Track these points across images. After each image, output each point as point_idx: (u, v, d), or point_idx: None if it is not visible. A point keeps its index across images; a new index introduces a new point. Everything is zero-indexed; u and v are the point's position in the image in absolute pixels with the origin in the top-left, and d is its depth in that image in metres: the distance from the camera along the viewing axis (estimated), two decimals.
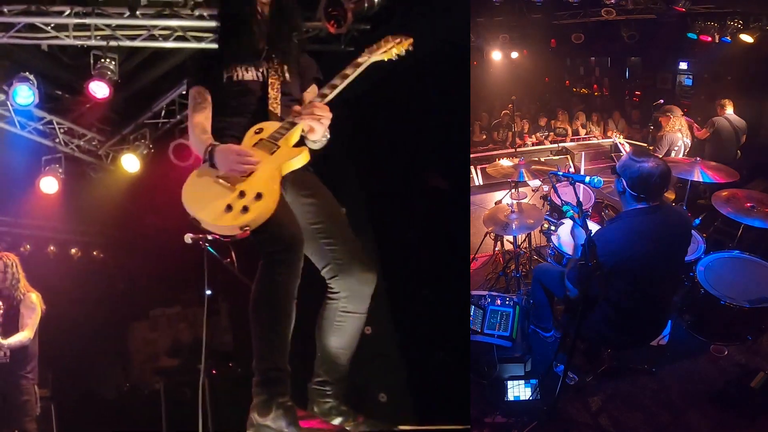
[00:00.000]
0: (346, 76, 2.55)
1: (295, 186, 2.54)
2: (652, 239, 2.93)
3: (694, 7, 6.78)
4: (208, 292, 4.13)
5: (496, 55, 9.15)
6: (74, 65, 4.90)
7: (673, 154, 6.11)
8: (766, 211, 4.07)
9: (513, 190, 4.74)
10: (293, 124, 2.44)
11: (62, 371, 5.46)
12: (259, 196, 2.26)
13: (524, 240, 5.09)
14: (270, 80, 2.59)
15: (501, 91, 10.04)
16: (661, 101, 7.24)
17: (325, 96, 2.50)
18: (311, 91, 2.73)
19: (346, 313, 2.58)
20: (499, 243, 5.34)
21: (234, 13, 2.66)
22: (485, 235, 5.39)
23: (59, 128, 5.37)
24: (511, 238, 4.79)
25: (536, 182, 4.99)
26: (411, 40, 2.72)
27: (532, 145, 10.08)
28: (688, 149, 6.30)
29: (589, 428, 3.35)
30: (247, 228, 2.24)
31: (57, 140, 5.38)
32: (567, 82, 11.52)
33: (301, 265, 2.40)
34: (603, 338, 3.33)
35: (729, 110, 6.35)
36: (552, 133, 10.37)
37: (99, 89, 4.67)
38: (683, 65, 9.07)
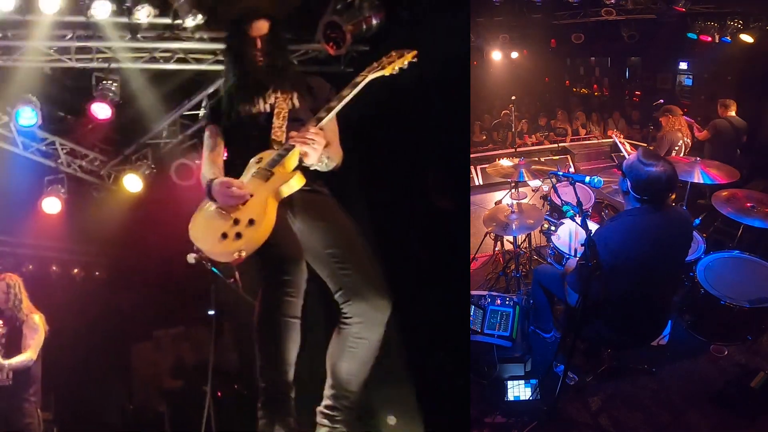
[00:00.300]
0: (343, 98, 2.61)
1: (306, 212, 2.60)
2: (651, 239, 2.92)
3: (694, 7, 6.78)
4: (212, 312, 4.12)
5: (496, 55, 9.14)
6: (76, 87, 4.96)
7: (673, 154, 6.11)
8: (766, 211, 4.07)
9: (513, 190, 4.74)
10: (288, 151, 2.51)
11: (65, 393, 5.42)
12: (251, 222, 2.35)
13: (524, 240, 5.09)
14: (276, 109, 2.68)
15: (501, 91, 10.04)
16: (661, 101, 7.25)
17: (321, 119, 2.57)
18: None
19: (359, 339, 2.57)
20: (499, 243, 5.35)
21: (234, 52, 2.81)
22: (485, 235, 5.39)
23: (62, 149, 5.40)
24: (511, 238, 4.79)
25: (536, 182, 4.98)
26: (414, 53, 2.75)
27: (532, 145, 10.08)
28: (688, 149, 6.30)
29: (589, 428, 3.35)
30: (242, 253, 2.31)
31: (59, 161, 5.42)
32: (567, 82, 11.52)
33: (303, 285, 2.44)
34: (602, 339, 3.32)
35: (732, 111, 6.33)
36: (552, 133, 10.37)
37: (101, 110, 4.76)
38: (683, 65, 9.07)
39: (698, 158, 4.54)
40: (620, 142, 6.42)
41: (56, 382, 4.71)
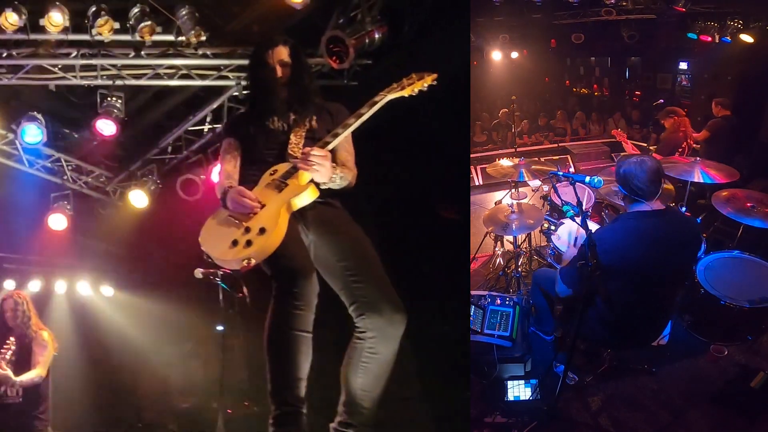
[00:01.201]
0: (361, 116, 2.65)
1: (319, 224, 2.62)
2: (650, 243, 2.91)
3: (694, 7, 6.77)
4: (221, 327, 4.10)
5: (496, 55, 9.14)
6: (81, 104, 5.03)
7: (677, 155, 6.10)
8: (766, 211, 4.06)
9: (513, 190, 4.74)
10: None
11: (73, 412, 5.38)
12: (262, 230, 2.38)
13: (524, 240, 5.09)
14: (295, 128, 2.73)
15: (501, 91, 10.03)
16: (662, 101, 7.25)
17: (337, 135, 2.62)
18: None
19: (373, 354, 2.54)
20: (499, 243, 5.35)
21: (258, 78, 2.88)
22: (485, 235, 5.39)
23: (67, 165, 5.42)
24: (511, 237, 4.79)
25: (536, 182, 4.98)
26: (434, 76, 2.78)
27: (532, 145, 10.08)
28: (691, 150, 6.30)
29: (589, 428, 3.35)
30: (251, 260, 2.33)
31: (65, 177, 5.44)
32: (567, 82, 11.50)
33: (314, 299, 2.43)
34: (599, 339, 3.33)
35: (727, 111, 6.33)
36: (552, 133, 10.37)
37: (106, 127, 4.80)
38: (683, 65, 9.06)
39: (698, 158, 4.54)
40: (623, 141, 6.42)
41: (65, 400, 4.68)
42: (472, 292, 4.02)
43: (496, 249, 5.39)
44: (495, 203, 5.09)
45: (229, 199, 2.52)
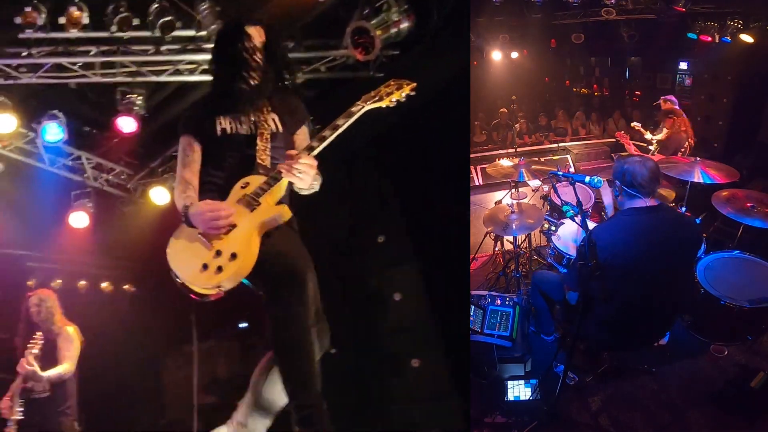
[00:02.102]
0: (338, 128, 2.44)
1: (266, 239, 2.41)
2: (645, 238, 2.91)
3: (694, 7, 6.77)
4: (244, 324, 4.05)
5: (496, 55, 9.14)
6: (101, 102, 5.00)
7: (678, 155, 6.10)
8: (766, 211, 4.06)
9: (513, 190, 4.74)
10: (276, 180, 2.39)
11: (97, 408, 5.38)
12: (233, 256, 2.25)
13: (524, 240, 5.09)
14: (260, 130, 2.53)
15: (501, 91, 10.04)
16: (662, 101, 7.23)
17: (313, 149, 2.39)
18: (301, 134, 2.69)
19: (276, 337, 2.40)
20: (499, 243, 5.35)
21: (226, 57, 2.59)
22: (485, 235, 5.39)
23: (88, 163, 5.43)
24: (511, 238, 4.79)
25: (536, 182, 4.99)
26: (413, 85, 2.59)
27: (532, 145, 10.08)
28: (691, 149, 6.30)
29: (589, 428, 3.35)
30: (221, 288, 2.26)
31: (86, 175, 5.46)
32: (567, 82, 11.50)
33: (310, 294, 2.33)
34: (599, 341, 3.32)
35: (676, 107, 6.42)
36: (552, 133, 10.36)
37: (126, 124, 4.81)
38: (683, 65, 9.06)
39: (698, 158, 4.54)
40: (626, 143, 6.42)
41: (88, 396, 4.69)
42: (472, 292, 4.02)
43: (496, 249, 5.39)
44: (495, 203, 5.09)
45: (198, 217, 2.32)
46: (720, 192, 4.34)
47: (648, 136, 6.60)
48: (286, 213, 2.41)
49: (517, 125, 9.62)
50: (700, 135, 6.70)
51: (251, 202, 2.36)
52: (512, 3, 8.16)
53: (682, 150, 6.20)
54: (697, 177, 4.32)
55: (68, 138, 4.89)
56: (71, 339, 4.29)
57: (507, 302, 3.91)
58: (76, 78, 4.58)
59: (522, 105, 10.33)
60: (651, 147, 6.52)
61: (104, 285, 6.89)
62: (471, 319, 3.85)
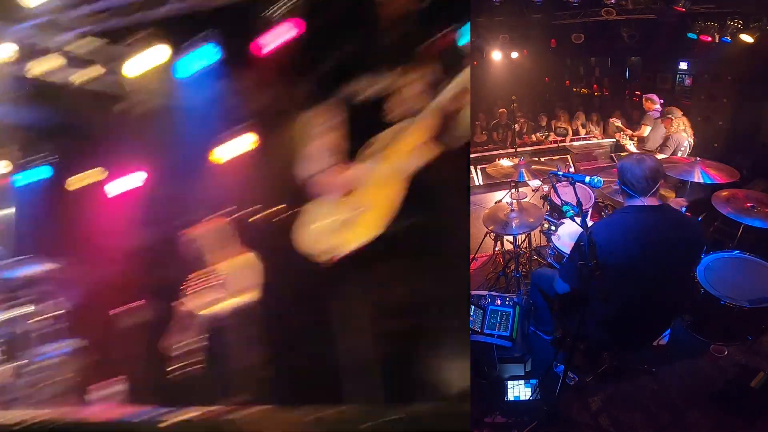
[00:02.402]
0: None
1: None
2: (641, 236, 2.90)
3: (694, 7, 6.78)
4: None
5: (496, 55, 9.15)
6: None
7: (679, 155, 6.10)
8: (766, 211, 4.06)
9: (513, 190, 4.74)
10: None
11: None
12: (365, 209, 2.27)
13: (524, 240, 5.09)
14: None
15: (501, 91, 10.05)
16: (661, 101, 7.24)
17: None
18: None
19: None
20: (499, 243, 5.34)
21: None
22: (485, 235, 5.38)
23: None
24: (511, 237, 4.79)
25: (536, 182, 4.98)
26: None
27: (532, 145, 10.08)
28: (692, 148, 6.31)
29: (589, 428, 3.35)
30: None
31: None
32: (567, 82, 11.51)
33: None
34: (598, 341, 3.32)
35: (657, 105, 6.42)
36: (552, 133, 10.37)
37: None
38: (683, 65, 9.07)
39: (698, 158, 4.54)
40: (621, 127, 6.45)
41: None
42: (472, 292, 4.02)
43: (496, 249, 5.39)
44: (495, 203, 5.09)
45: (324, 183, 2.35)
46: (720, 192, 4.34)
47: (625, 139, 6.64)
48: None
49: (516, 125, 9.62)
50: (700, 135, 6.69)
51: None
52: (512, 3, 8.18)
53: (683, 149, 6.21)
54: (697, 177, 4.32)
55: None
56: (254, 265, 4.24)
57: (507, 302, 3.91)
58: None
59: (522, 105, 10.34)
60: (629, 145, 6.58)
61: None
62: (471, 319, 3.85)
